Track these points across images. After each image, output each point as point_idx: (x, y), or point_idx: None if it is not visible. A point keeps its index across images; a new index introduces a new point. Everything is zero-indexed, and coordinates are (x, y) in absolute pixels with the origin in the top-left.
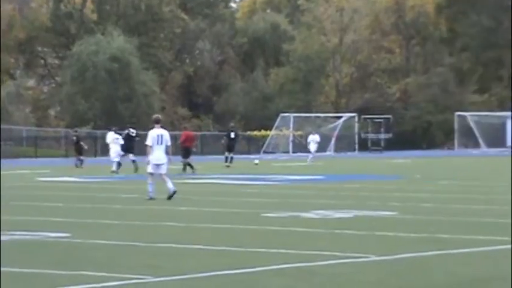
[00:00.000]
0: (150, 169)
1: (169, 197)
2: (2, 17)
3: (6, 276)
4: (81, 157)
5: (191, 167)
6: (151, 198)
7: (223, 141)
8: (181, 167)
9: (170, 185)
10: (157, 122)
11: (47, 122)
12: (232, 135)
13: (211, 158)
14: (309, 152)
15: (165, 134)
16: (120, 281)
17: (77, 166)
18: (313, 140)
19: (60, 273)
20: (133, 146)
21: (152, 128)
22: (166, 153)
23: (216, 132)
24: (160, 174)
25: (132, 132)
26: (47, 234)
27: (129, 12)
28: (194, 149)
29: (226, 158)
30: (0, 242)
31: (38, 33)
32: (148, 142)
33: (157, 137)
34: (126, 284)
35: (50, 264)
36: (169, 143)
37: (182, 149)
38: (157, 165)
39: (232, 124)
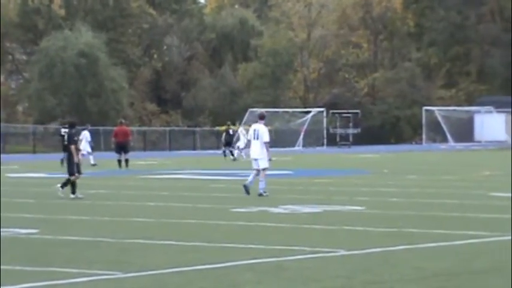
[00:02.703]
0: (253, 165)
1: (260, 194)
2: None
3: None
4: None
5: (126, 162)
6: (246, 191)
7: (222, 138)
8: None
9: (262, 185)
10: (261, 117)
11: (15, 118)
12: (231, 131)
13: (180, 154)
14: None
15: (262, 129)
16: (89, 276)
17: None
18: (242, 133)
19: (30, 269)
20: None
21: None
22: (264, 148)
23: (185, 128)
24: (260, 170)
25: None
26: (17, 230)
27: (97, 8)
28: (132, 144)
29: (225, 152)
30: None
31: (6, 28)
32: (248, 136)
33: (254, 132)
34: (95, 279)
35: (20, 260)
36: (266, 139)
37: (115, 144)
38: (255, 160)
39: (229, 122)
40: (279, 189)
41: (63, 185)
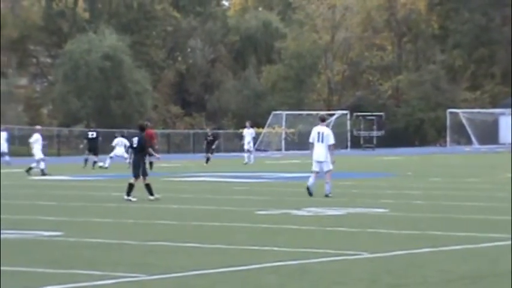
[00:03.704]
0: (314, 167)
1: (326, 195)
2: None
3: None
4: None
5: (150, 165)
6: (309, 193)
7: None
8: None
9: (327, 187)
10: (323, 120)
11: (40, 121)
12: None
13: (204, 156)
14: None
15: (326, 131)
16: (113, 279)
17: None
18: (249, 134)
19: (53, 271)
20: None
21: (317, 125)
22: (328, 150)
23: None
24: (325, 172)
25: (92, 134)
26: (40, 233)
27: (121, 11)
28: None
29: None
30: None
31: (30, 32)
32: (310, 139)
33: (318, 135)
34: (119, 282)
35: (43, 263)
36: (331, 141)
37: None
38: (319, 163)
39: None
40: (303, 192)
41: (128, 192)
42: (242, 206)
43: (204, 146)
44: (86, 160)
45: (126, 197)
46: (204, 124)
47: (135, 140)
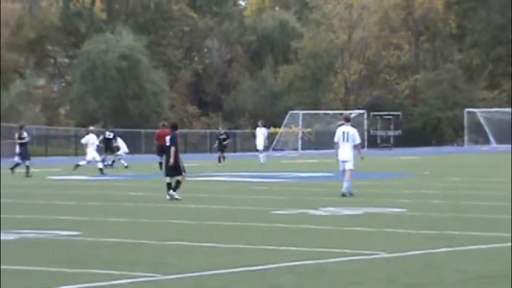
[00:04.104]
0: (340, 167)
1: (343, 195)
2: (11, 16)
3: (17, 274)
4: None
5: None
6: (343, 195)
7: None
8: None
9: (345, 185)
10: (347, 120)
11: (57, 121)
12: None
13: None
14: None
15: (351, 131)
16: (130, 278)
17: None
18: (262, 133)
19: (71, 271)
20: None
21: (341, 125)
22: (355, 150)
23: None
24: (346, 171)
25: (109, 134)
26: (58, 232)
27: (138, 11)
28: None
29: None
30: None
31: (48, 32)
32: (335, 139)
33: (343, 134)
34: (136, 281)
35: (61, 262)
36: (358, 141)
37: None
38: (344, 162)
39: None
40: (319, 192)
41: (175, 189)
42: (259, 206)
43: (216, 145)
44: (103, 160)
45: (172, 195)
46: (220, 124)
47: (167, 138)
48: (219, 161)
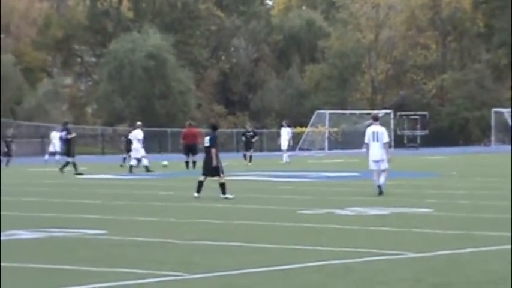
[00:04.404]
0: (371, 166)
1: (379, 193)
2: (39, 15)
3: (44, 273)
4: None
5: (193, 164)
6: (379, 187)
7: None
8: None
9: (382, 180)
10: (376, 119)
11: (84, 120)
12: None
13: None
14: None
15: (380, 130)
16: (156, 277)
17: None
18: (286, 133)
19: (98, 270)
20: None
21: (370, 124)
22: (384, 149)
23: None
24: (382, 171)
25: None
26: (85, 231)
27: (165, 10)
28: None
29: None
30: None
31: (75, 31)
32: (365, 140)
33: (373, 134)
34: (163, 280)
35: (88, 261)
36: (386, 140)
37: (184, 146)
38: (376, 162)
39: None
40: (346, 191)
41: (223, 192)
42: (285, 206)
43: (244, 142)
44: (124, 159)
45: (222, 195)
46: (247, 122)
47: (207, 139)
48: (246, 159)
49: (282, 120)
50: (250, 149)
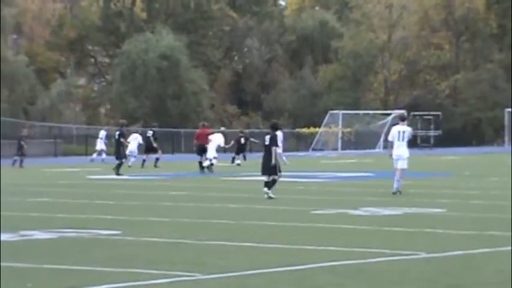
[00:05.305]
0: (394, 164)
1: (394, 193)
2: (52, 15)
3: (57, 273)
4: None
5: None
6: (394, 193)
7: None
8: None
9: (396, 184)
10: (403, 119)
11: (97, 120)
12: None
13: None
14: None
15: (408, 130)
16: (169, 278)
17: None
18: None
19: (111, 270)
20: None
21: (395, 124)
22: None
23: (265, 130)
24: (398, 169)
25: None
26: (98, 231)
27: (179, 11)
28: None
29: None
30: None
31: (88, 32)
32: (390, 138)
33: (399, 133)
34: (176, 281)
35: (101, 261)
36: (406, 138)
37: (197, 147)
38: (397, 159)
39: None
40: (359, 192)
41: (269, 187)
42: (298, 206)
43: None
44: (144, 161)
45: (266, 190)
46: (260, 123)
47: (267, 138)
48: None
49: (296, 121)
50: (238, 153)
